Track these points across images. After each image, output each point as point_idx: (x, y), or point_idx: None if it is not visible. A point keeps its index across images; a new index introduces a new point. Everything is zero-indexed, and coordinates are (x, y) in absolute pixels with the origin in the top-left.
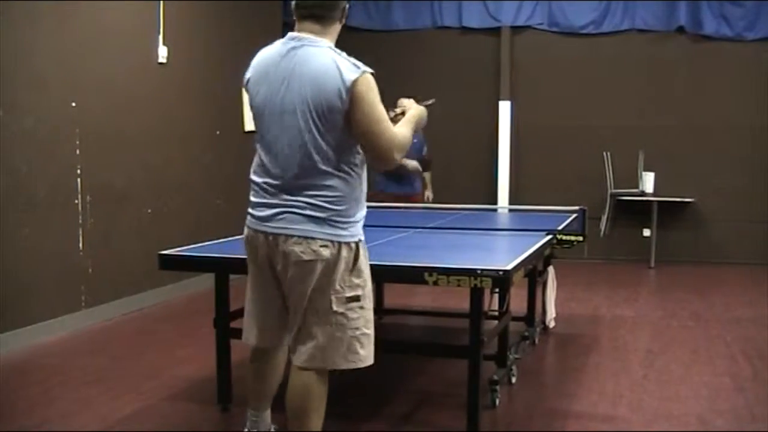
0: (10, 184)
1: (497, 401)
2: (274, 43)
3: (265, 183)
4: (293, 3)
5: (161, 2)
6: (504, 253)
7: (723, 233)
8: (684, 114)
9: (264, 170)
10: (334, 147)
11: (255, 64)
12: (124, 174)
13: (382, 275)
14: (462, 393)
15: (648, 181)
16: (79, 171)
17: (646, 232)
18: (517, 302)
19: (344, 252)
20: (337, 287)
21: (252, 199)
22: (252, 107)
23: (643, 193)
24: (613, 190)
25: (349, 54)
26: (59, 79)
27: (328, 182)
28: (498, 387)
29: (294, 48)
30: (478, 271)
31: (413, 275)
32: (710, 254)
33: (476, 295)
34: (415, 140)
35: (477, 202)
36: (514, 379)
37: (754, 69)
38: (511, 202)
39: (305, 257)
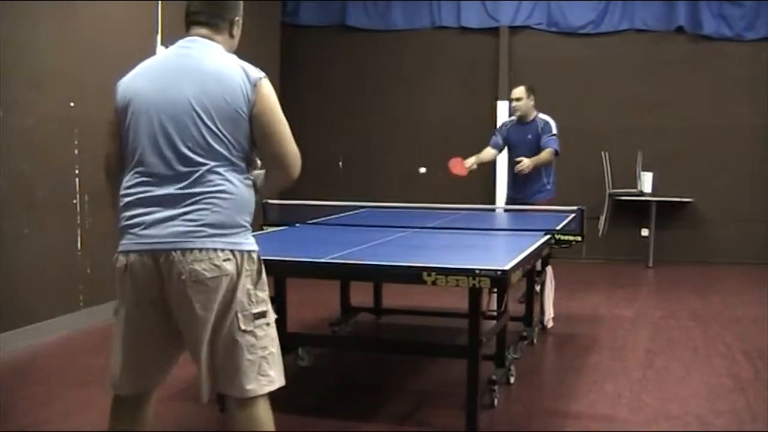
0: (9, 184)
1: (496, 401)
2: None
3: (144, 191)
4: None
5: (159, 2)
6: (502, 252)
7: (721, 233)
8: (682, 114)
9: (141, 176)
10: (230, 145)
11: (136, 69)
12: None
13: (380, 275)
14: (460, 393)
15: (646, 181)
16: (77, 171)
17: (645, 232)
18: (516, 302)
19: (247, 264)
20: (244, 304)
21: (126, 213)
22: (123, 105)
23: (641, 193)
24: (612, 190)
25: (349, 53)
26: (58, 79)
27: (223, 184)
28: (496, 387)
29: (187, 46)
30: (477, 271)
31: (412, 275)
32: (709, 254)
33: (475, 295)
34: (529, 136)
35: (475, 202)
36: (512, 379)
37: (754, 69)
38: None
39: (208, 274)
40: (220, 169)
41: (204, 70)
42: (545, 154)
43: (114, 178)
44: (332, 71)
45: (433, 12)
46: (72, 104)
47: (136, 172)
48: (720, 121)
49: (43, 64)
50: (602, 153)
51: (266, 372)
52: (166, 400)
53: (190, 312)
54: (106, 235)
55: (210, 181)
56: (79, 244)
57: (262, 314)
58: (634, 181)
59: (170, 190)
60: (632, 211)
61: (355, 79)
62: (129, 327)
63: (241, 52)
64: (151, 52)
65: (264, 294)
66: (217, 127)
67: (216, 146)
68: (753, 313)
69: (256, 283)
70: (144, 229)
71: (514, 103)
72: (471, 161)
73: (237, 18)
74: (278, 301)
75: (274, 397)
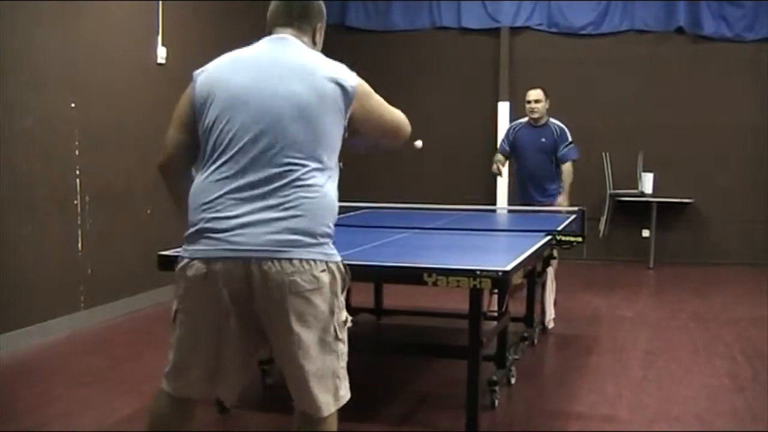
0: (9, 184)
1: (496, 402)
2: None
3: (230, 192)
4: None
5: (160, 3)
6: (503, 253)
7: (722, 234)
8: (683, 115)
9: (225, 174)
10: (327, 146)
11: (219, 59)
12: (124, 174)
13: (381, 276)
14: (461, 393)
15: (647, 182)
16: (78, 171)
17: (646, 233)
18: (517, 303)
19: (338, 274)
20: (336, 313)
21: (206, 215)
22: (203, 96)
23: (642, 194)
24: (612, 191)
25: (349, 54)
26: (59, 79)
27: (319, 189)
28: (497, 388)
29: (279, 43)
30: (478, 272)
31: (412, 276)
32: (709, 255)
33: (475, 295)
34: (543, 139)
35: (476, 202)
36: (513, 380)
37: (754, 69)
38: (510, 203)
39: (308, 286)
40: (316, 173)
41: (300, 66)
42: (569, 175)
43: (176, 171)
44: None
45: (433, 12)
46: (73, 105)
47: (219, 170)
48: (721, 121)
49: (44, 65)
50: (603, 154)
51: (341, 386)
52: None
53: (285, 324)
54: (106, 236)
55: (306, 184)
56: (80, 245)
57: (345, 321)
58: (634, 181)
59: (262, 191)
60: (633, 212)
61: None
62: (205, 336)
63: None
64: (152, 52)
65: (343, 301)
66: (315, 127)
67: (313, 147)
68: (753, 313)
69: (342, 291)
70: (233, 234)
71: (533, 105)
72: (499, 169)
73: (321, 24)
74: None
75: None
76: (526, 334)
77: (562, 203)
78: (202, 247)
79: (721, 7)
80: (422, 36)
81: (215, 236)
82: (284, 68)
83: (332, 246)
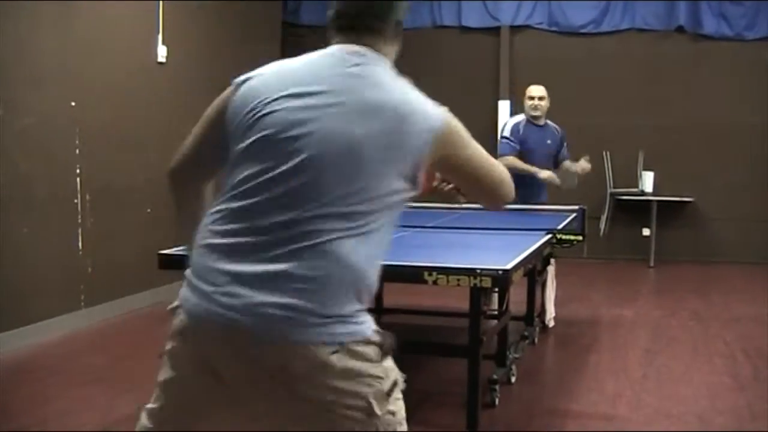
0: (9, 184)
1: (497, 400)
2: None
3: (237, 238)
4: (331, 12)
5: (161, 2)
6: (503, 252)
7: (722, 232)
8: (683, 113)
9: (237, 214)
10: (383, 207)
11: (268, 71)
12: (124, 173)
13: (381, 274)
14: (461, 392)
15: (647, 181)
16: (78, 170)
17: (646, 232)
18: (517, 301)
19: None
20: (370, 379)
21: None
22: (239, 110)
23: (642, 193)
24: (613, 190)
25: None
26: (59, 78)
27: (352, 256)
28: (497, 386)
29: (355, 62)
30: (478, 271)
31: (413, 274)
32: (710, 253)
33: (476, 294)
34: (548, 141)
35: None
36: (513, 379)
37: (754, 68)
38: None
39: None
40: (347, 236)
41: (376, 101)
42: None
43: (186, 182)
44: None
45: (433, 11)
46: (73, 104)
47: (231, 206)
48: (721, 120)
49: (44, 64)
50: (603, 152)
51: None
52: None
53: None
54: (107, 235)
55: (334, 250)
56: (80, 244)
57: (395, 383)
58: (635, 180)
59: (271, 251)
60: (633, 211)
61: None
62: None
63: (242, 52)
64: (153, 51)
65: (389, 361)
66: (365, 179)
67: (362, 205)
68: (753, 312)
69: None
70: (222, 293)
71: (536, 102)
72: (546, 173)
73: (400, 19)
74: None
75: None
76: (526, 333)
77: (582, 163)
78: (186, 293)
79: (722, 5)
80: (422, 35)
81: (200, 288)
82: (341, 97)
83: (365, 315)
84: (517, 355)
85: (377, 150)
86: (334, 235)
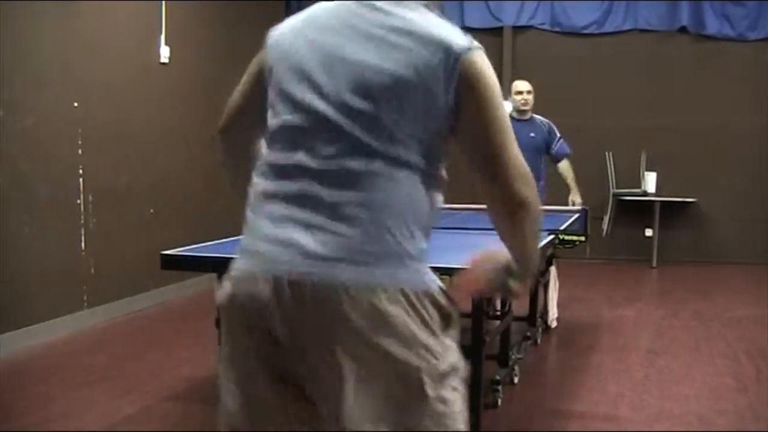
0: (12, 184)
1: (499, 401)
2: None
3: (301, 192)
4: None
5: (163, 2)
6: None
7: (725, 233)
8: (686, 114)
9: (278, 165)
10: (416, 140)
11: (296, 16)
12: (126, 174)
13: None
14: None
15: (650, 181)
16: (81, 171)
17: (649, 232)
18: (519, 302)
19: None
20: (424, 354)
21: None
22: (269, 63)
23: (645, 193)
24: (616, 190)
25: None
26: (61, 78)
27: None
28: (500, 387)
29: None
30: None
31: None
32: (712, 254)
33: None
34: (532, 134)
35: (478, 202)
36: (516, 379)
37: (757, 69)
38: None
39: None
40: (390, 167)
41: (390, 25)
42: (571, 172)
43: (235, 139)
44: None
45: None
46: (75, 104)
47: (272, 159)
48: (723, 120)
49: (46, 64)
50: (606, 153)
51: None
52: (167, 400)
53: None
54: (109, 235)
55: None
56: (82, 244)
57: (454, 368)
58: (638, 181)
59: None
60: (636, 211)
61: None
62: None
63: (245, 53)
64: (155, 51)
65: (451, 340)
66: (400, 114)
67: (397, 137)
68: (755, 313)
69: (440, 324)
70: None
71: (525, 96)
72: None
73: None
74: None
75: None
76: (529, 334)
77: (576, 200)
78: (261, 255)
79: (724, 6)
80: None
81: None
82: (367, 28)
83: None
84: (519, 356)
85: (409, 82)
86: (379, 169)
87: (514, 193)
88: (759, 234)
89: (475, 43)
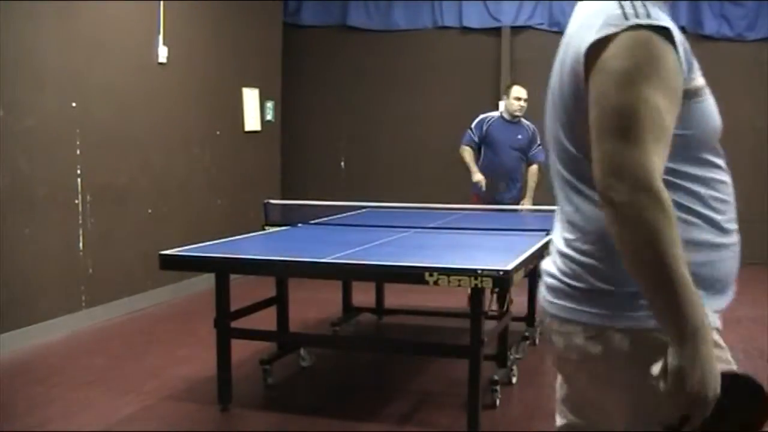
0: (10, 184)
1: (498, 401)
2: None
3: None
4: None
5: (161, 2)
6: (504, 252)
7: None
8: None
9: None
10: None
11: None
12: (125, 174)
13: (382, 275)
14: (462, 393)
15: None
16: (79, 171)
17: None
18: (518, 302)
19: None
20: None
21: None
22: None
23: None
24: None
25: (351, 53)
26: (60, 79)
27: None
28: (498, 387)
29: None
30: (479, 271)
31: (414, 275)
32: None
33: (477, 295)
34: (519, 136)
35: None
36: (514, 379)
37: (755, 69)
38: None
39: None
40: (577, 196)
41: (569, 36)
42: (535, 177)
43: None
44: (334, 71)
45: (434, 12)
46: (74, 104)
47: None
48: (722, 121)
49: (45, 64)
50: None
51: None
52: (167, 400)
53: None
54: (108, 236)
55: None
56: (81, 244)
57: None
58: None
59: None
60: None
61: (357, 79)
62: None
63: (243, 53)
64: (153, 52)
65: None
66: (572, 125)
67: (574, 153)
68: (754, 313)
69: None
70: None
71: (522, 103)
72: (479, 177)
73: None
74: (280, 301)
75: (274, 397)
76: (527, 334)
77: (526, 204)
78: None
79: (723, 6)
80: (423, 35)
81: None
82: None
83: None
84: (518, 356)
85: (567, 88)
86: (570, 198)
87: (598, 185)
88: (759, 234)
89: (608, 29)
